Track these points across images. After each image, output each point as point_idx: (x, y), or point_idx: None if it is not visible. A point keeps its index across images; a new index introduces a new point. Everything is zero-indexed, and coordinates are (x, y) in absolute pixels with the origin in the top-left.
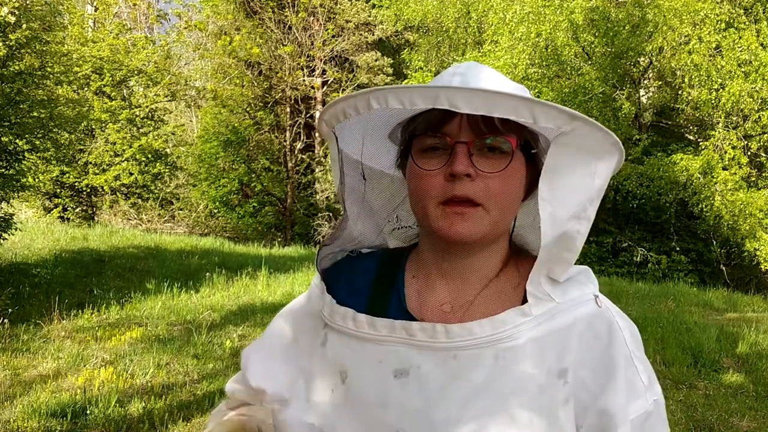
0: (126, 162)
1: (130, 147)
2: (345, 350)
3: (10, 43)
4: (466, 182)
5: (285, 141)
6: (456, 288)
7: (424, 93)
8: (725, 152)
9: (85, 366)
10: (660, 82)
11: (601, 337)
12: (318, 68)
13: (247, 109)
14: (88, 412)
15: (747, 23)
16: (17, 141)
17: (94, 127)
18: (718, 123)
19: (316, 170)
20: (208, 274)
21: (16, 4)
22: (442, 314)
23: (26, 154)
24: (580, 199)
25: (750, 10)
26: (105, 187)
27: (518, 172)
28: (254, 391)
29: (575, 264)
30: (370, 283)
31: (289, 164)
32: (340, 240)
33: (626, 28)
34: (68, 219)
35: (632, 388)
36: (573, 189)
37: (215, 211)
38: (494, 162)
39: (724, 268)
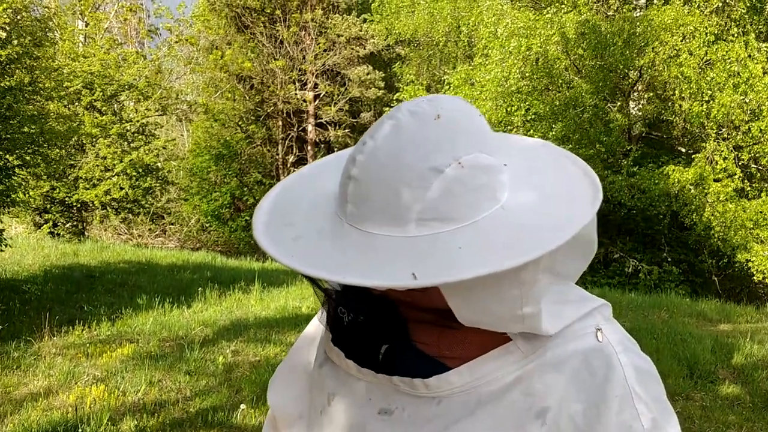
0: (117, 177)
1: (121, 161)
2: (336, 376)
3: (1, 59)
4: (390, 292)
5: (277, 154)
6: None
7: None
8: (716, 163)
9: (76, 383)
10: (651, 94)
11: (596, 374)
12: (310, 82)
13: (239, 123)
14: (79, 430)
15: (736, 35)
16: (7, 156)
17: (84, 141)
18: (709, 135)
19: None
20: (200, 288)
21: (7, 20)
22: (433, 346)
23: (16, 169)
24: (503, 310)
25: (738, 22)
26: (95, 202)
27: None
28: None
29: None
30: (376, 304)
31: (282, 178)
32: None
33: (618, 42)
34: (58, 234)
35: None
36: (489, 308)
37: (207, 225)
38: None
39: (715, 279)
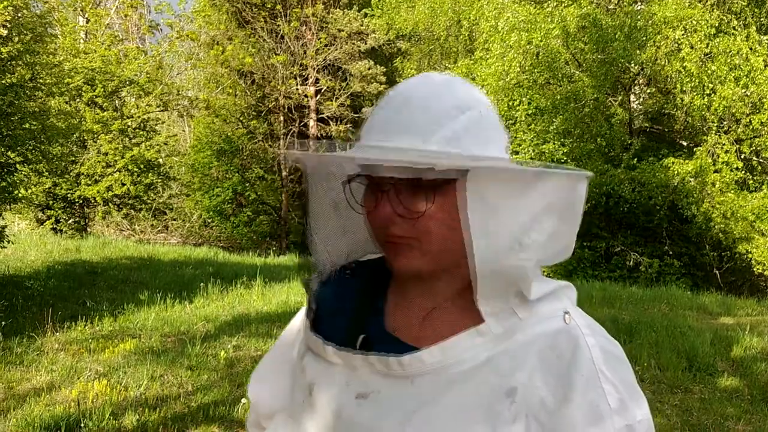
0: (118, 173)
1: (123, 157)
2: (316, 366)
3: (2, 56)
4: (398, 222)
5: (279, 149)
6: (423, 305)
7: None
8: (717, 156)
9: (78, 378)
10: (653, 89)
11: (563, 355)
12: (311, 77)
13: (241, 118)
14: (82, 425)
15: (737, 28)
16: (9, 153)
17: (86, 138)
18: (710, 128)
19: None
20: (202, 284)
21: (8, 17)
22: (409, 333)
23: (18, 166)
24: (511, 231)
25: (739, 15)
26: (97, 198)
27: (450, 204)
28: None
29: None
30: (356, 297)
31: (284, 173)
32: (323, 265)
33: (619, 36)
34: (61, 231)
35: (593, 412)
36: (501, 222)
37: (209, 220)
38: (421, 200)
39: (717, 272)
